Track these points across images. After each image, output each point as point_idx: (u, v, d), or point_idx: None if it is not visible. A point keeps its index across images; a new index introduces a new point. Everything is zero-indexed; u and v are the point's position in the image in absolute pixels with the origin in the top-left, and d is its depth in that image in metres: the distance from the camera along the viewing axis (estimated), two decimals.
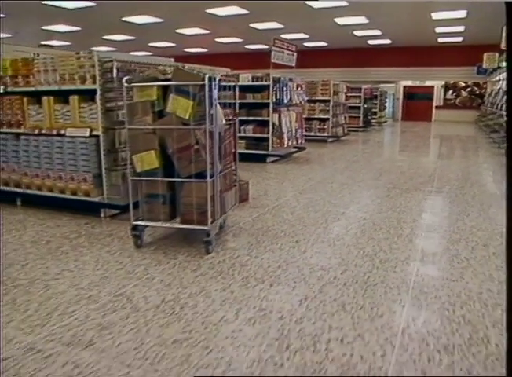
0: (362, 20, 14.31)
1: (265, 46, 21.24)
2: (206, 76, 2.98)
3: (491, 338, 2.12)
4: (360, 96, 14.92)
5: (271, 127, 7.62)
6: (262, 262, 3.11)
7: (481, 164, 8.29)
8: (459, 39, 17.65)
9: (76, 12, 12.66)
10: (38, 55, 4.41)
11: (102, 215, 4.20)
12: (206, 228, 3.18)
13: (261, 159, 7.72)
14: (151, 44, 19.85)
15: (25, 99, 4.40)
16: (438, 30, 15.78)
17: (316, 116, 11.39)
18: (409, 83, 22.21)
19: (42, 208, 4.47)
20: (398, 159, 9.64)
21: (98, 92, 3.89)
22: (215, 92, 3.09)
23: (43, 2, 11.34)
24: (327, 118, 11.36)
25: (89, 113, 4.04)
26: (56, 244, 3.48)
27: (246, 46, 20.86)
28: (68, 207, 4.33)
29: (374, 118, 17.05)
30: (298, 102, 8.27)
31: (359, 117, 15.13)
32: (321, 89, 11.35)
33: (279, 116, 7.60)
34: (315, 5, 12.00)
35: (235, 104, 3.94)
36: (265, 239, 3.63)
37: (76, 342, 2.08)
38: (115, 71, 3.85)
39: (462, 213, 4.48)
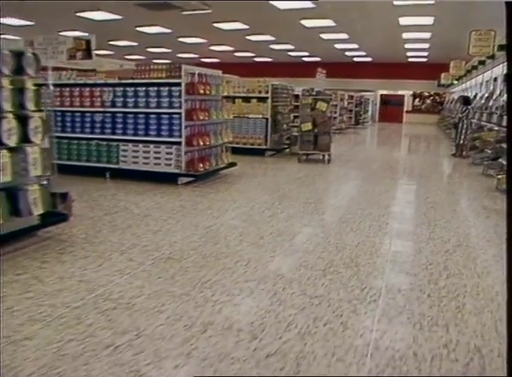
0: (354, 45, 19.50)
1: (269, 59, 26.38)
2: (332, 95, 7.90)
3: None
4: (352, 102, 20.13)
5: None
6: (353, 165, 8.14)
7: (437, 146, 13.53)
8: (424, 60, 23.20)
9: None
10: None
11: (265, 155, 9.02)
12: (329, 152, 8.12)
13: None
14: (179, 55, 24.39)
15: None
16: (409, 53, 21.22)
17: None
18: (385, 92, 27.70)
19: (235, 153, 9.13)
20: (385, 141, 14.83)
21: (270, 98, 8.74)
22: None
23: None
24: (335, 117, 16.42)
25: (262, 107, 8.87)
26: (265, 162, 8.30)
27: (255, 59, 25.77)
28: (246, 152, 9.04)
29: (360, 119, 22.29)
30: None
31: (351, 117, 20.32)
32: None
33: None
34: (328, 38, 16.99)
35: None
36: (346, 162, 8.63)
37: (316, 175, 6.97)
38: (289, 90, 8.78)
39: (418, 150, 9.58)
